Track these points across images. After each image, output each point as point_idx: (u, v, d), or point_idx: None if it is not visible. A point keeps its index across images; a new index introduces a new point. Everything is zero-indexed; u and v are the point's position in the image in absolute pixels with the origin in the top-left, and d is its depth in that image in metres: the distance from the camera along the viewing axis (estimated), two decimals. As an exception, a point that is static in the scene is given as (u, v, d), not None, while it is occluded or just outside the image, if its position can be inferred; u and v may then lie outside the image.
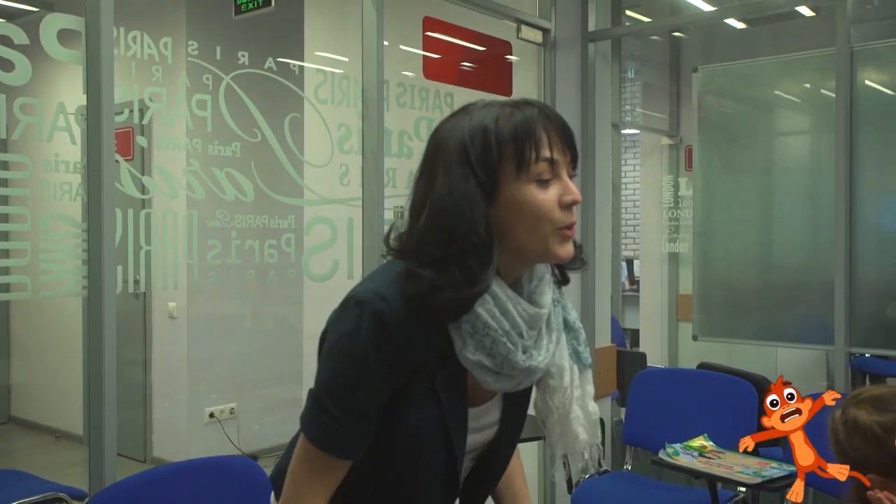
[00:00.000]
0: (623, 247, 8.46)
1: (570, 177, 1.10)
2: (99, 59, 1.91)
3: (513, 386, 1.14)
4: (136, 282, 2.08)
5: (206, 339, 4.48)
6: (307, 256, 2.48)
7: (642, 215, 7.05)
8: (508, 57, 3.26)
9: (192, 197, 2.20)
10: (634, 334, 7.03)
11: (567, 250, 1.09)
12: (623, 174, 8.65)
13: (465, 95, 3.01)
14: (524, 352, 1.11)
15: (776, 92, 3.33)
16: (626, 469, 3.30)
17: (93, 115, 1.93)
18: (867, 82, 2.96)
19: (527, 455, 3.32)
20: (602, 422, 3.28)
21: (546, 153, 1.06)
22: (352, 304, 1.07)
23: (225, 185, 2.26)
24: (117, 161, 1.98)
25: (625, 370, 4.08)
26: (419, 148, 2.81)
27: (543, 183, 1.06)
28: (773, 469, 2.41)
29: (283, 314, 4.45)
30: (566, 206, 1.08)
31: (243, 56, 2.30)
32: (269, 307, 4.53)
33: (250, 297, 4.45)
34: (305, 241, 2.48)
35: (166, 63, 2.11)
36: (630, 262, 8.81)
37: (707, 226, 3.44)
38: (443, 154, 1.08)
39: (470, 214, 1.04)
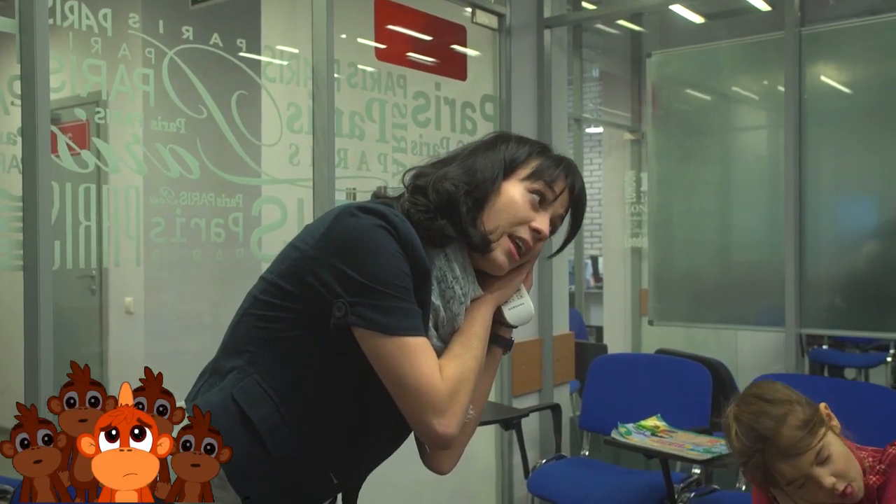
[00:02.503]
0: (589, 245, 8.52)
1: (553, 229, 1.26)
2: (33, 28, 1.87)
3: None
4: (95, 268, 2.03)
5: (165, 335, 4.40)
6: (256, 236, 2.44)
7: (605, 212, 7.08)
8: (462, 49, 3.25)
9: (135, 173, 2.16)
10: (599, 331, 7.05)
11: (500, 260, 1.20)
12: (588, 173, 8.71)
13: (418, 78, 3.00)
14: (458, 315, 1.19)
15: (730, 78, 3.36)
16: (584, 455, 3.30)
17: (27, 85, 1.88)
18: (817, 69, 3.00)
19: (483, 442, 3.31)
20: (558, 407, 3.28)
21: (552, 189, 1.23)
22: (354, 210, 1.11)
23: (169, 161, 2.22)
24: (54, 133, 1.93)
25: (586, 362, 4.08)
26: (371, 129, 2.81)
27: (534, 198, 1.21)
28: (723, 446, 2.41)
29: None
30: (532, 229, 1.21)
31: (187, 31, 2.26)
32: (230, 301, 4.47)
33: (210, 293, 4.39)
34: (254, 221, 2.44)
35: (106, 35, 2.07)
36: (595, 260, 8.86)
37: (663, 216, 3.46)
38: (490, 141, 1.28)
39: (490, 171, 1.22)
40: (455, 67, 3.19)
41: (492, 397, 3.27)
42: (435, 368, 1.10)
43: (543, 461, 3.12)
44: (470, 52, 3.27)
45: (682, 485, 2.73)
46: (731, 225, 3.33)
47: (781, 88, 3.03)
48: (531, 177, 1.23)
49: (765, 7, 4.93)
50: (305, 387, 1.14)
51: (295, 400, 1.14)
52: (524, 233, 1.21)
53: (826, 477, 1.48)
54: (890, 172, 2.94)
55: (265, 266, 1.20)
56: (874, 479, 1.52)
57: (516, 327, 1.32)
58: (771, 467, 1.50)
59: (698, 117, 3.47)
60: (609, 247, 6.87)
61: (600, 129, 7.30)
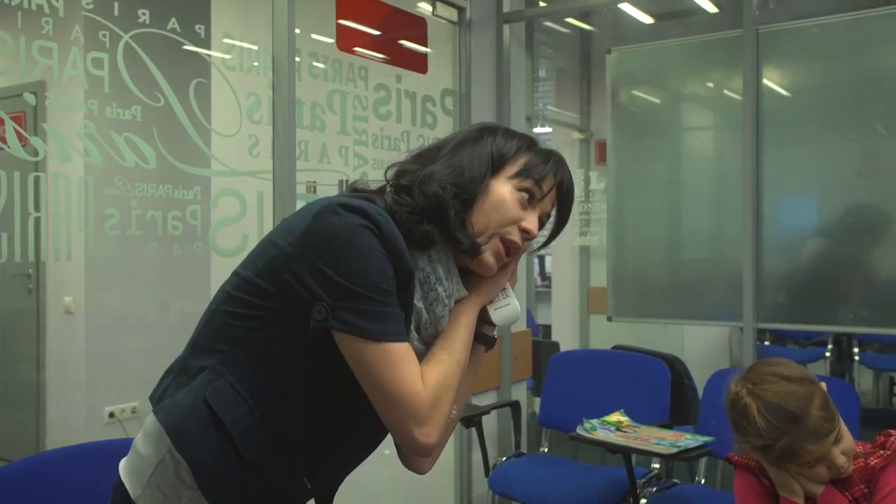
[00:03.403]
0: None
1: (541, 226, 1.23)
2: (-20, 5, 1.76)
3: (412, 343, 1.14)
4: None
5: (106, 335, 4.24)
6: (214, 230, 2.35)
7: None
8: (422, 42, 3.21)
9: (89, 162, 2.05)
10: (546, 330, 7.09)
11: (489, 262, 1.17)
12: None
13: (379, 70, 2.94)
14: (442, 318, 1.15)
15: (689, 75, 3.39)
16: (543, 451, 3.29)
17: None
18: (774, 67, 3.05)
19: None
20: (518, 404, 3.26)
21: (541, 187, 1.19)
22: (337, 208, 1.05)
23: (124, 150, 2.12)
24: (1, 118, 1.82)
25: (540, 360, 4.08)
26: (332, 121, 2.75)
27: (522, 197, 1.18)
28: (688, 440, 2.44)
29: (190, 308, 4.26)
30: (522, 229, 1.17)
31: (144, 14, 2.16)
32: (174, 301, 4.33)
33: (156, 291, 4.24)
34: (213, 213, 2.36)
35: (57, 15, 1.96)
36: (542, 259, 8.92)
37: (621, 213, 3.47)
38: (475, 135, 1.23)
39: (478, 169, 1.17)
40: (415, 61, 3.15)
41: (452, 395, 3.24)
42: (417, 376, 1.07)
43: (503, 459, 3.10)
44: (430, 46, 3.23)
45: (643, 480, 2.74)
46: (689, 222, 3.37)
47: (739, 86, 3.07)
48: (520, 174, 1.18)
49: (712, 9, 5.03)
50: (280, 389, 1.08)
51: (269, 403, 1.08)
52: (514, 234, 1.18)
53: (839, 456, 1.51)
54: (842, 171, 3.01)
55: (221, 261, 1.14)
56: (875, 461, 1.56)
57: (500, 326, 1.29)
58: (798, 447, 1.50)
59: (657, 114, 3.50)
60: (558, 245, 6.92)
61: (549, 129, 7.35)
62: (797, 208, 3.13)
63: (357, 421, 1.14)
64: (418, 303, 1.13)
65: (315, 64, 2.67)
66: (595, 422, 2.61)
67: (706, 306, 3.22)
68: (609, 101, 3.41)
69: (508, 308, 1.26)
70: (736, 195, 3.09)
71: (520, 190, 1.18)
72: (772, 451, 1.52)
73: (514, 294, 1.28)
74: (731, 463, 1.70)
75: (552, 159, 1.22)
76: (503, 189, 1.17)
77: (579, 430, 2.55)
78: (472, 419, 2.91)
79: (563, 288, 6.89)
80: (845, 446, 1.53)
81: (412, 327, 1.14)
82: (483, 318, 1.24)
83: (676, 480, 2.82)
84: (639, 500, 2.64)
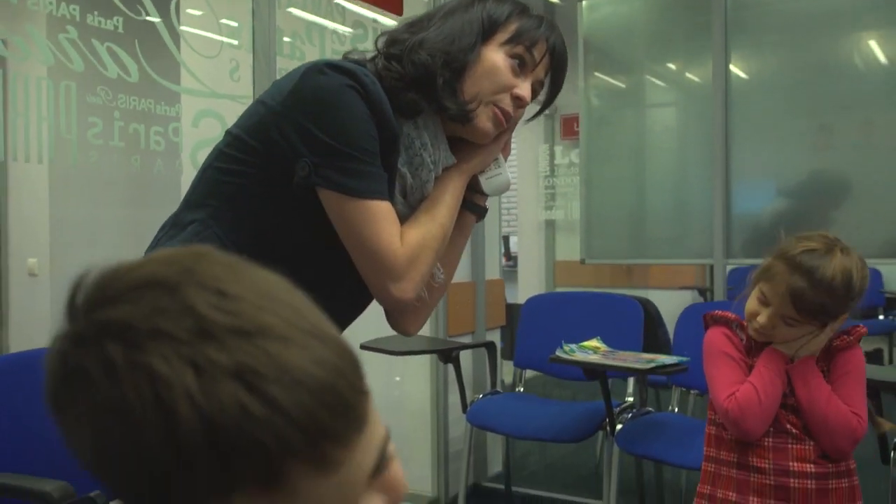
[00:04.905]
0: (506, 223, 8.62)
1: (534, 94, 1.23)
2: None
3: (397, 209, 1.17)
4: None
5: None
6: (195, 150, 2.34)
7: (519, 186, 7.20)
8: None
9: (71, 68, 2.03)
10: (514, 309, 7.12)
11: (486, 128, 1.18)
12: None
13: (355, 9, 2.96)
14: (427, 183, 1.18)
15: (660, 28, 3.46)
16: (519, 391, 3.33)
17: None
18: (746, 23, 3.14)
19: (418, 382, 3.30)
20: (493, 344, 3.29)
21: (532, 53, 1.19)
22: (324, 67, 1.07)
23: (106, 60, 2.10)
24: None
25: (513, 329, 4.11)
26: (311, 53, 2.75)
27: (514, 64, 1.18)
28: (664, 359, 2.50)
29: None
30: (514, 96, 1.18)
31: (126, -75, 2.16)
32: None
33: (124, 249, 4.19)
34: (194, 133, 2.35)
35: (40, -85, 1.94)
36: (506, 239, 8.98)
37: (596, 156, 3.52)
38: (466, 1, 1.22)
39: (469, 37, 1.17)
40: (391, 1, 3.17)
41: (428, 334, 3.27)
42: (395, 235, 1.10)
43: (480, 396, 3.13)
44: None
45: (617, 409, 2.80)
46: (657, 169, 3.44)
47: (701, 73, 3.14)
48: (511, 41, 1.19)
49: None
50: (266, 244, 1.10)
51: (255, 256, 1.09)
52: (506, 101, 1.18)
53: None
54: (802, 148, 3.11)
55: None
56: (838, 342, 1.60)
57: (491, 196, 1.32)
58: (838, 315, 1.53)
59: (630, 65, 3.55)
60: (524, 220, 6.99)
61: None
62: (763, 153, 3.22)
63: (341, 276, 1.16)
64: (403, 167, 1.15)
65: (294, -6, 2.68)
66: (574, 346, 2.65)
67: (676, 247, 3.30)
68: (580, 51, 3.45)
69: (500, 178, 1.28)
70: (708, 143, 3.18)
71: (511, 57, 1.18)
72: (817, 306, 1.50)
73: (505, 165, 1.29)
74: (708, 319, 1.69)
75: (543, 24, 1.22)
76: (495, 56, 1.18)
77: (559, 353, 2.59)
78: (449, 354, 2.94)
79: (529, 264, 6.96)
80: (785, 335, 1.57)
81: (398, 192, 1.16)
82: (475, 189, 1.27)
83: (650, 409, 2.88)
84: (615, 427, 2.69)
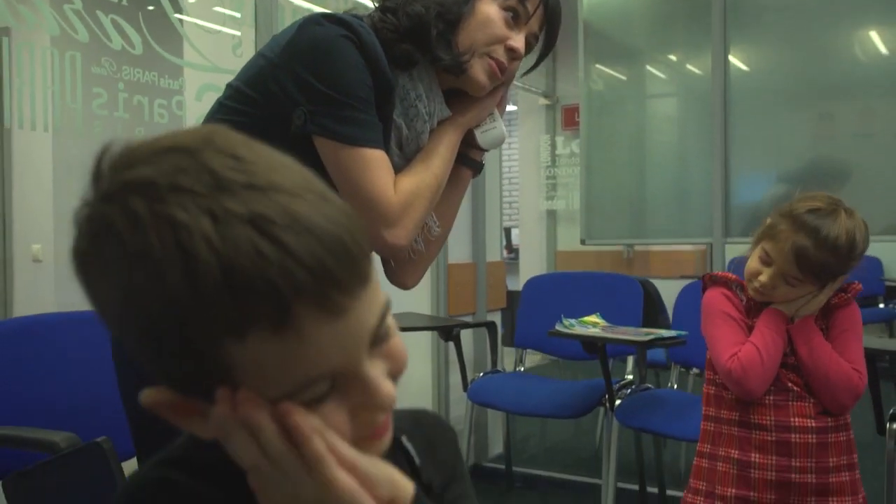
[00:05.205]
0: (507, 217, 8.65)
1: (528, 48, 1.24)
2: None
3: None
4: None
5: (76, 283, 4.20)
6: (198, 122, 2.37)
7: (521, 176, 7.21)
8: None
9: (76, 38, 2.06)
10: (514, 295, 7.14)
11: (481, 79, 1.20)
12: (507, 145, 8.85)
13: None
14: (423, 134, 1.19)
15: (660, 17, 3.48)
16: (519, 370, 3.35)
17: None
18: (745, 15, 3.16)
19: (419, 362, 3.32)
20: (494, 325, 3.30)
21: (525, 5, 1.19)
22: (320, 18, 1.09)
23: (111, 31, 2.12)
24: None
25: (514, 313, 4.14)
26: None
27: (507, 16, 1.19)
28: (663, 332, 2.52)
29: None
30: (508, 48, 1.19)
31: None
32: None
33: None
34: (197, 107, 2.37)
35: None
36: (508, 231, 9.00)
37: (596, 139, 3.54)
38: None
39: None
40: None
41: (429, 313, 3.29)
42: (389, 183, 1.12)
43: (481, 374, 3.16)
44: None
45: (616, 386, 2.82)
46: (661, 155, 3.46)
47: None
48: None
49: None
50: None
51: None
52: (499, 53, 1.20)
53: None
54: (802, 136, 3.13)
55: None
56: (836, 300, 1.62)
57: (488, 150, 1.34)
58: (839, 274, 1.54)
59: (630, 52, 3.57)
60: (525, 210, 7.00)
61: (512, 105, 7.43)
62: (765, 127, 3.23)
63: None
64: (398, 118, 1.17)
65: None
66: (573, 321, 2.67)
67: (676, 228, 3.32)
68: (581, 40, 3.46)
69: (495, 131, 1.29)
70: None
71: (505, 9, 1.19)
72: (820, 265, 1.50)
73: (501, 120, 1.31)
74: (707, 280, 1.70)
75: None
76: (488, 8, 1.19)
77: (558, 327, 2.61)
78: (450, 332, 2.96)
79: (530, 255, 6.97)
80: (783, 294, 1.58)
81: (394, 143, 1.18)
82: (471, 143, 1.29)
83: (649, 385, 2.90)
84: (614, 402, 2.71)
